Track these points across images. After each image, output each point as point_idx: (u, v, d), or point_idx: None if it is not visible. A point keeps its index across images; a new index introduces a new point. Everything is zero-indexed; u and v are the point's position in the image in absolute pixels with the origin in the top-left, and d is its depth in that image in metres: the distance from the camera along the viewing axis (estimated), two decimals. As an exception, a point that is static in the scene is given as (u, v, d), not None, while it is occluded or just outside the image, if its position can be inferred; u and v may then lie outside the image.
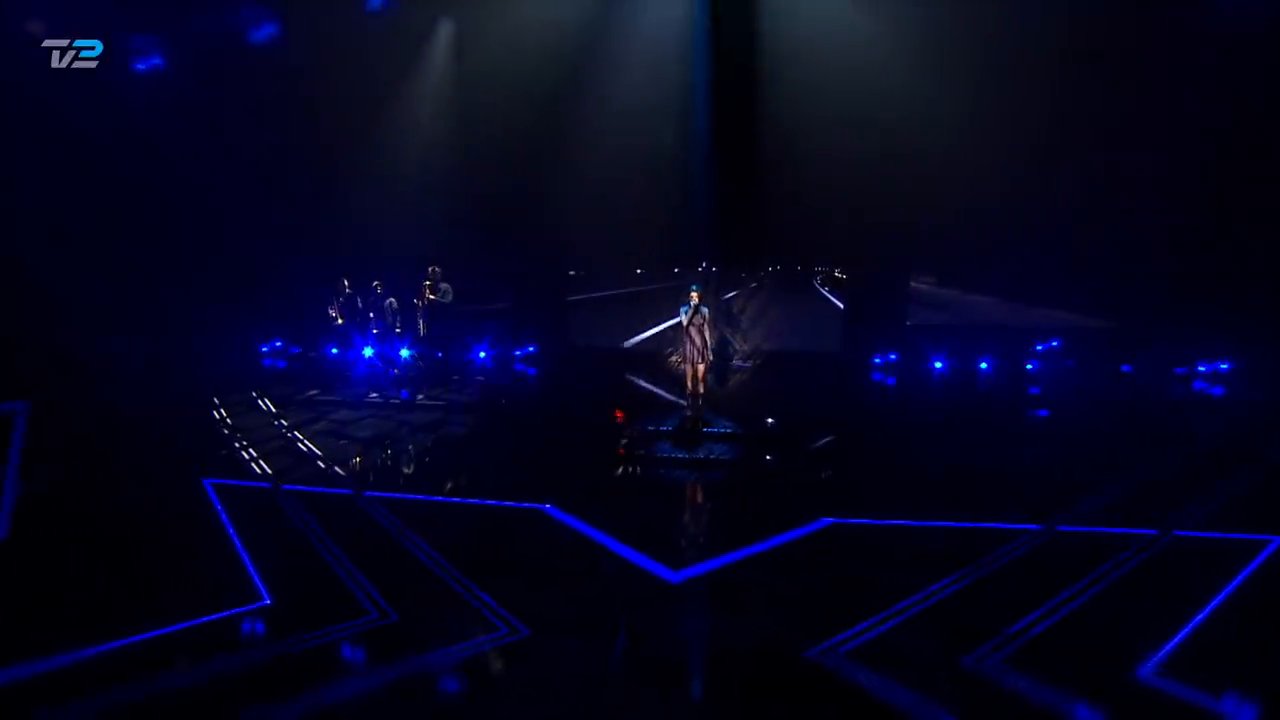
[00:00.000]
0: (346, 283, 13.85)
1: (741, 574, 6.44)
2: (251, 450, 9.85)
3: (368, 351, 13.74)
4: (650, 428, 10.17)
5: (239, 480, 8.73)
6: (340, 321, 13.94)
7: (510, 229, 14.20)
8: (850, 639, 5.25)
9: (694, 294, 10.28)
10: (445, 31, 13.93)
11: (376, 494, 8.31)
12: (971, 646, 5.12)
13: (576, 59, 13.09)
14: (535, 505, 7.93)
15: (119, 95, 12.76)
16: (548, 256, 14.43)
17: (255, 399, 12.35)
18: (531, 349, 14.44)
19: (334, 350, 14.50)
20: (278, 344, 15.10)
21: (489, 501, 8.22)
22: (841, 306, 14.17)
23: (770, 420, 10.19)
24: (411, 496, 8.40)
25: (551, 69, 13.09)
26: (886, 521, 7.46)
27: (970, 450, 9.61)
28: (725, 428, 10.12)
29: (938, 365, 13.13)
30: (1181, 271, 12.09)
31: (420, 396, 12.38)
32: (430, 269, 13.30)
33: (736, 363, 13.64)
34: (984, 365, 13.07)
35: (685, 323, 10.24)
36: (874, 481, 8.76)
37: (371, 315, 13.89)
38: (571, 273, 15.05)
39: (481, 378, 13.61)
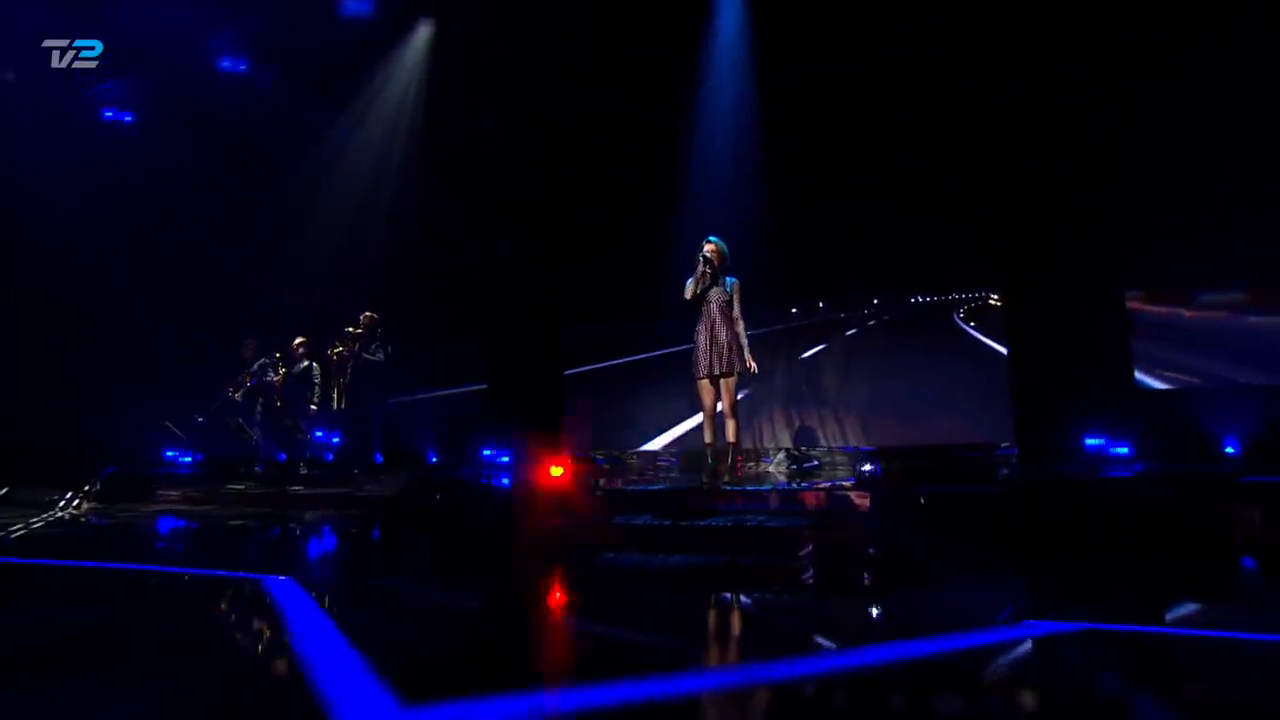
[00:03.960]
0: (251, 344, 9.95)
1: None
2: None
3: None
4: (630, 487, 5.20)
5: None
6: (238, 396, 9.88)
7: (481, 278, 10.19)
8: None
9: (708, 246, 5.56)
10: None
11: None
12: None
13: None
14: (263, 575, 3.12)
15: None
16: (533, 311, 10.01)
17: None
18: (504, 455, 8.35)
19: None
20: (187, 458, 10.98)
21: (189, 570, 3.59)
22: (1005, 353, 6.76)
23: (870, 467, 5.01)
24: (68, 563, 3.88)
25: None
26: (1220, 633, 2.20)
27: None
28: (778, 485, 4.99)
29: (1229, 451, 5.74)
30: None
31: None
32: (364, 315, 9.20)
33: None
34: None
35: (688, 294, 5.42)
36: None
37: (275, 381, 9.79)
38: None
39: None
